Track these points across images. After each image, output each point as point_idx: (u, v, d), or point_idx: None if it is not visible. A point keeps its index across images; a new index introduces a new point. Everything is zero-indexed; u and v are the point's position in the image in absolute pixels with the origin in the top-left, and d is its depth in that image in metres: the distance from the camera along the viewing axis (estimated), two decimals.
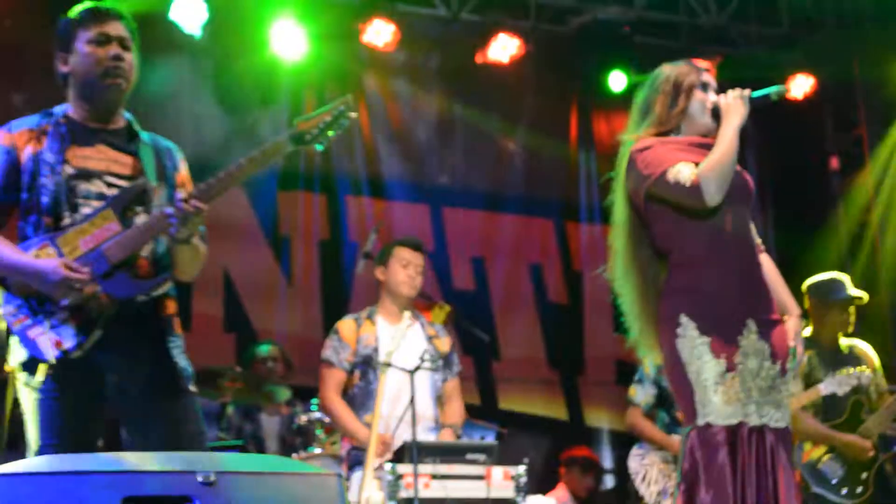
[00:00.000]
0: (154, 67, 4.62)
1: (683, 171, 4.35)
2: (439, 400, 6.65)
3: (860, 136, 10.26)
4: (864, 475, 6.62)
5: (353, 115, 4.43)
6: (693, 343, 4.33)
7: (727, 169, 4.35)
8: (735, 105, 4.47)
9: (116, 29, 4.37)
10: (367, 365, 6.54)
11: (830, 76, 10.10)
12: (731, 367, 4.30)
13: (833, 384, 6.43)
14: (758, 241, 4.60)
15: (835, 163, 10.45)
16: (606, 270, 4.70)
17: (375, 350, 6.54)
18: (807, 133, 10.34)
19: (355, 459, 6.38)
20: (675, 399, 4.80)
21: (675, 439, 6.70)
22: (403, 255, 6.70)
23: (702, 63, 4.73)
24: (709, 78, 4.65)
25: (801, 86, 10.02)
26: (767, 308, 4.46)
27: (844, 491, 6.59)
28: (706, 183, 4.32)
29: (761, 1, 10.15)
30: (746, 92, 4.51)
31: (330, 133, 4.35)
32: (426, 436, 6.43)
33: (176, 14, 8.38)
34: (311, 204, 9.69)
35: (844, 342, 6.85)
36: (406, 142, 10.05)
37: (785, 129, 9.73)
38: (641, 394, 6.94)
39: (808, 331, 6.80)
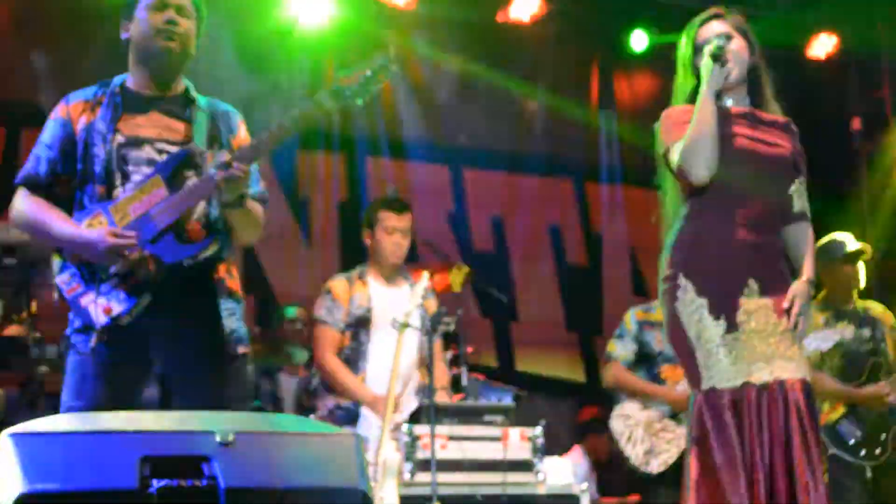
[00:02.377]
0: None
1: (677, 150, 4.37)
2: (422, 362, 6.61)
3: (882, 98, 10.21)
4: (883, 436, 6.63)
5: (395, 67, 4.39)
6: (692, 305, 4.33)
7: (702, 142, 4.32)
8: (706, 67, 4.40)
9: None
10: (359, 326, 6.56)
11: (854, 36, 10.06)
12: (732, 327, 4.30)
13: (818, 339, 6.44)
14: (798, 208, 4.56)
15: (857, 124, 10.41)
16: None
17: (368, 311, 6.56)
18: (829, 94, 10.30)
19: (343, 418, 6.39)
20: (676, 359, 4.77)
21: (665, 389, 6.73)
22: (388, 221, 6.64)
23: (698, 18, 4.64)
24: (706, 34, 4.55)
25: (823, 45, 9.99)
26: (774, 270, 4.43)
27: (863, 452, 6.59)
28: (687, 163, 4.33)
29: None
30: (709, 48, 4.41)
31: (371, 88, 4.27)
32: (413, 397, 6.44)
33: None
34: (330, 164, 9.71)
35: (861, 304, 6.87)
36: (426, 102, 10.04)
37: (806, 90, 9.67)
38: (621, 349, 6.94)
39: (822, 295, 6.83)
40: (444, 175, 10.14)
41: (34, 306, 6.30)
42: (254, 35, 8.98)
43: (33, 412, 5.72)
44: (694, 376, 4.35)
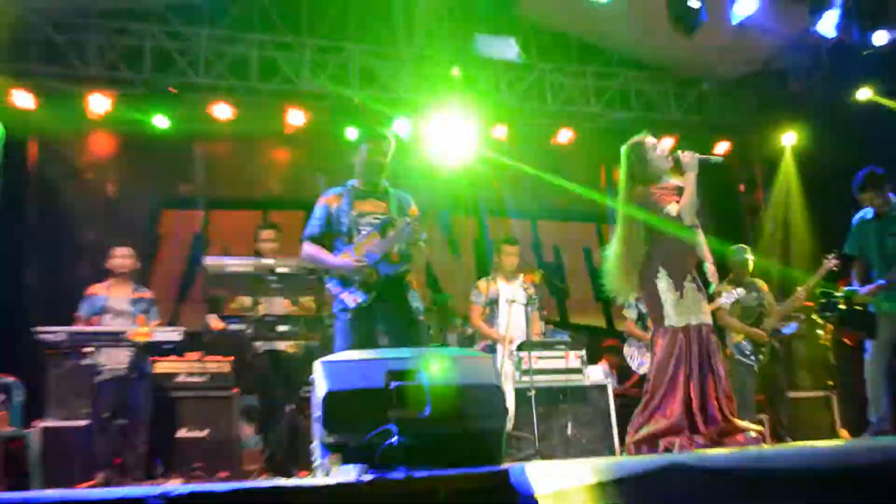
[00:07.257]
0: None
1: (672, 209, 4.25)
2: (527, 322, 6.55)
3: (755, 173, 9.82)
4: (763, 349, 6.46)
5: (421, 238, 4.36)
6: (665, 281, 4.25)
7: (693, 204, 4.21)
8: (692, 163, 4.26)
9: (381, 145, 4.43)
10: (492, 304, 6.44)
11: (740, 147, 9.30)
12: (682, 295, 4.19)
13: (727, 297, 6.25)
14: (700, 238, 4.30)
15: (742, 188, 9.89)
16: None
17: (496, 295, 6.43)
18: (723, 181, 9.30)
19: (488, 350, 6.26)
20: (648, 314, 4.54)
21: (649, 334, 6.60)
22: (506, 249, 6.54)
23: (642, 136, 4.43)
24: (651, 139, 4.39)
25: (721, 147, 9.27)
26: (698, 270, 4.30)
27: (753, 358, 6.44)
28: (684, 214, 4.21)
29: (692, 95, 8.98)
30: (696, 155, 4.28)
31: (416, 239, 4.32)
32: (521, 338, 6.26)
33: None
34: (469, 223, 9.25)
35: (751, 280, 6.67)
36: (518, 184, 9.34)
37: (707, 179, 9.23)
38: (630, 313, 6.86)
39: (730, 276, 6.65)
40: (528, 227, 9.65)
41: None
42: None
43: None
44: (659, 319, 4.24)
